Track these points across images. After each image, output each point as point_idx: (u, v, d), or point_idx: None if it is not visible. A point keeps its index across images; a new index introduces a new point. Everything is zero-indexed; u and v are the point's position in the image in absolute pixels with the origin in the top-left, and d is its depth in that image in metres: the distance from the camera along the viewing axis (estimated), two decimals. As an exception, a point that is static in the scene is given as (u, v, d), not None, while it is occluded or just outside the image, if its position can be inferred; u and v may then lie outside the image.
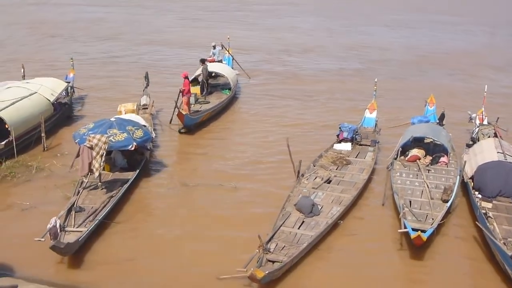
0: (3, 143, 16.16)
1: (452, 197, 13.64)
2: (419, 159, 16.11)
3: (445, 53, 36.31)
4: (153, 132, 17.02)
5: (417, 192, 14.29)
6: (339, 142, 17.61)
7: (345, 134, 17.57)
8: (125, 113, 18.23)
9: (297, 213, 13.05)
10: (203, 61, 22.83)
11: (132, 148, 14.52)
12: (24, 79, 20.55)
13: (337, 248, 12.52)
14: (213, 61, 24.74)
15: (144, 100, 20.63)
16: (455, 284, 11.52)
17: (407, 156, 16.33)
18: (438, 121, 18.50)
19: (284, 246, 11.67)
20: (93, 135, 13.96)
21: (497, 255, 11.65)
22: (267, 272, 10.40)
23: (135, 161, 15.57)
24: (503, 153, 14.85)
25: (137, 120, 16.28)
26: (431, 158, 16.15)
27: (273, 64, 31.13)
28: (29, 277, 11.02)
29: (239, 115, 22.26)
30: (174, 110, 19.13)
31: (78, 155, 13.90)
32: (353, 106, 22.61)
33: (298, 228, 12.46)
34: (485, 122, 18.35)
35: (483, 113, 18.80)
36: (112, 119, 15.24)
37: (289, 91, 25.19)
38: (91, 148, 13.68)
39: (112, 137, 14.17)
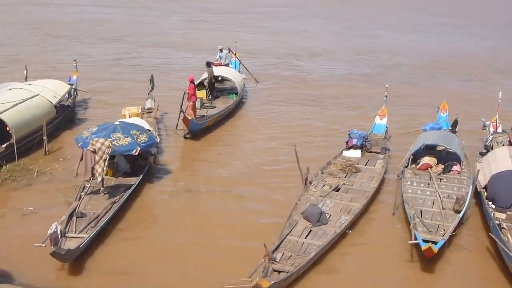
0: (4, 145, 15.98)
1: (465, 207, 13.37)
2: (431, 167, 15.81)
3: (455, 57, 36.13)
4: (157, 136, 16.79)
5: (429, 201, 14.00)
6: (348, 149, 17.34)
7: (354, 141, 17.28)
8: (130, 117, 18.08)
9: (305, 221, 12.78)
10: (209, 64, 22.51)
11: (136, 153, 14.37)
12: (26, 80, 20.38)
13: (345, 258, 12.25)
14: (219, 64, 24.50)
15: (149, 104, 20.49)
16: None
17: (418, 164, 16.03)
18: (450, 128, 18.17)
19: (291, 255, 11.43)
20: (96, 139, 13.90)
21: (511, 267, 11.39)
22: (272, 282, 10.17)
23: (138, 166, 15.38)
24: (517, 162, 14.50)
25: (141, 124, 16.10)
26: (443, 166, 15.86)
27: (281, 68, 30.95)
28: (28, 283, 10.86)
29: (246, 121, 21.97)
30: (179, 115, 18.87)
31: (81, 159, 13.76)
32: (362, 112, 22.42)
33: (305, 237, 12.21)
34: (499, 130, 18.13)
35: (497, 120, 18.58)
36: (116, 122, 15.14)
37: (297, 96, 24.98)
38: (94, 152, 13.58)
39: (115, 141, 14.05)
